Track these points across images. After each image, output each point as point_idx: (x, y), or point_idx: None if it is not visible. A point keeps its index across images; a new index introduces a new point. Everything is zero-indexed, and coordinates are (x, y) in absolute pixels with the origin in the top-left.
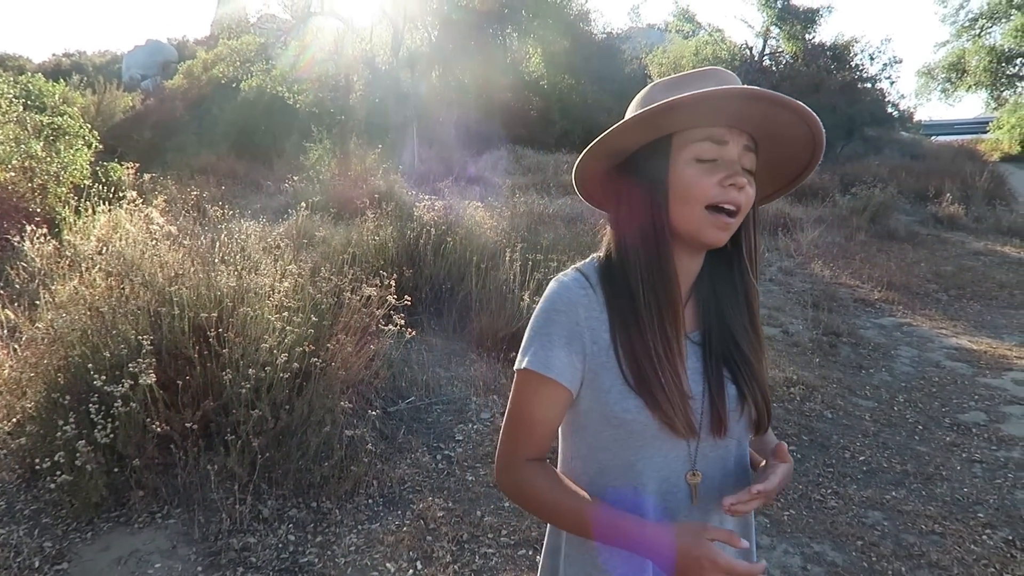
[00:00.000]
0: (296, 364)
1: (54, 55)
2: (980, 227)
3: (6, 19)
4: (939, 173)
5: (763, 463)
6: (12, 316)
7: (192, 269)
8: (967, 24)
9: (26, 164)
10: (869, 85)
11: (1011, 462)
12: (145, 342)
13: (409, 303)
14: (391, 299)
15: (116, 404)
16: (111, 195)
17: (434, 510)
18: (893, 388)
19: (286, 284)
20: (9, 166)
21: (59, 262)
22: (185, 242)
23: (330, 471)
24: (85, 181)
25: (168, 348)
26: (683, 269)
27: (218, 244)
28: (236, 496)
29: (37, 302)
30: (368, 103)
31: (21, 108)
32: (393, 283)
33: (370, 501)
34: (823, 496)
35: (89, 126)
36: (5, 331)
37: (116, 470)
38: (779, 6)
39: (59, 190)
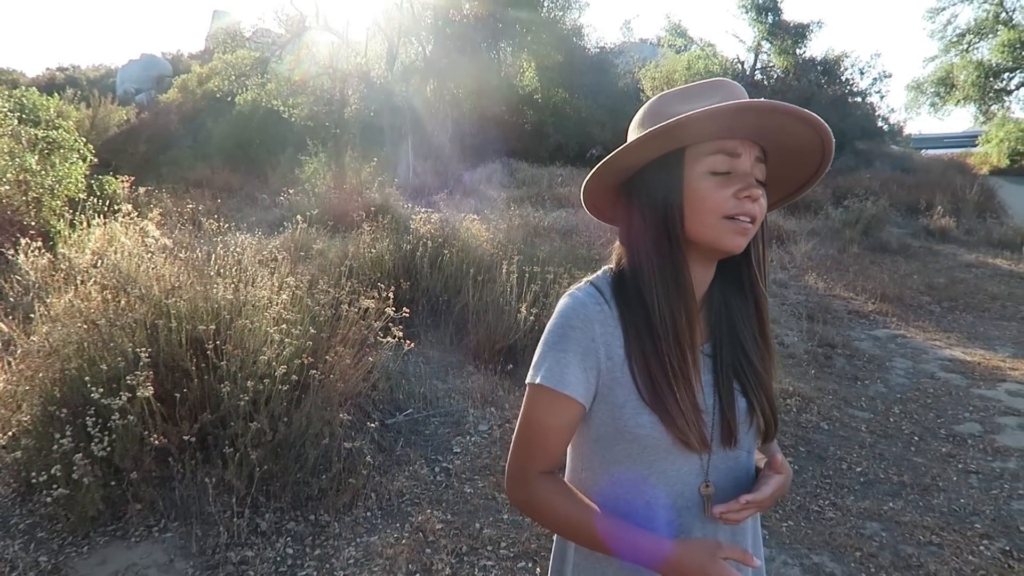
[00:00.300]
0: (294, 376)
1: (48, 69)
2: (971, 239)
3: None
4: (930, 186)
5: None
6: (7, 329)
7: (189, 282)
8: (955, 39)
9: (20, 177)
10: (859, 99)
11: (1007, 473)
12: (143, 354)
13: (407, 315)
14: (390, 311)
15: (113, 417)
16: (106, 208)
17: (433, 523)
18: (888, 399)
19: (284, 296)
20: (3, 179)
21: (54, 275)
22: (181, 255)
23: (328, 484)
24: (80, 194)
25: (165, 361)
26: (696, 279)
27: (214, 257)
28: (234, 509)
29: (32, 315)
30: (363, 116)
31: (16, 122)
32: (391, 295)
33: (368, 514)
34: (821, 507)
35: (84, 139)
36: (0, 344)
37: (113, 483)
38: (770, 21)
39: (54, 203)
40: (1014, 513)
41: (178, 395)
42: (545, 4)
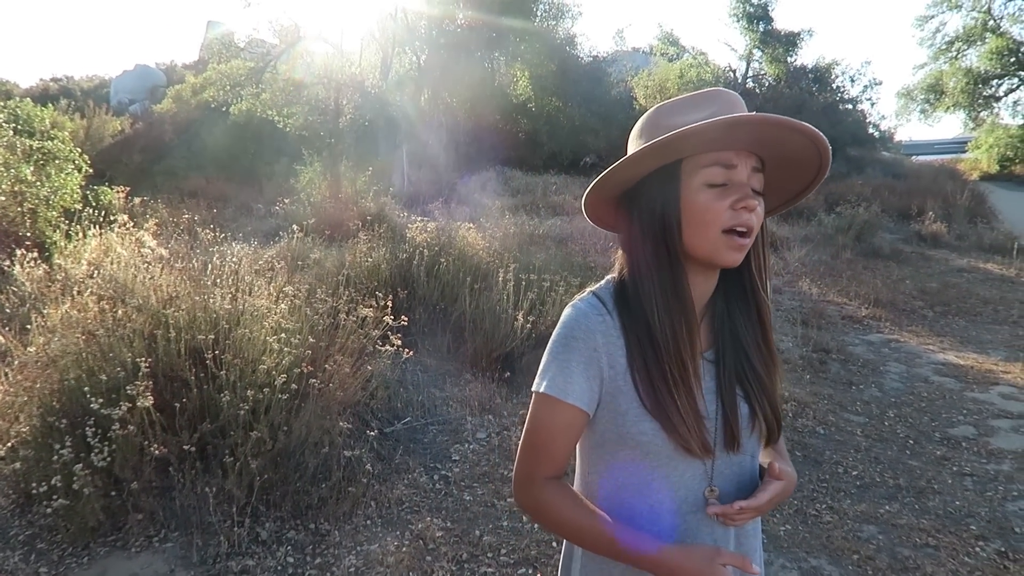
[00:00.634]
0: (294, 385)
1: (42, 80)
2: (963, 245)
3: None
4: (921, 192)
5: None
6: (3, 340)
7: (186, 292)
8: (944, 47)
9: (16, 188)
10: (850, 106)
11: (1001, 475)
12: (142, 364)
13: (405, 323)
14: (388, 320)
15: (113, 427)
16: (102, 219)
17: (433, 530)
18: (883, 403)
19: (282, 306)
20: None
21: (50, 286)
22: (178, 265)
23: (328, 492)
24: (75, 205)
25: (164, 371)
26: (697, 290)
27: (211, 267)
28: (234, 519)
29: (29, 326)
30: (358, 126)
31: (11, 133)
32: (389, 304)
33: (368, 522)
34: (818, 511)
35: (79, 150)
36: None
37: (113, 493)
38: (761, 30)
39: (49, 214)
40: (1009, 514)
41: (178, 405)
42: (538, 13)
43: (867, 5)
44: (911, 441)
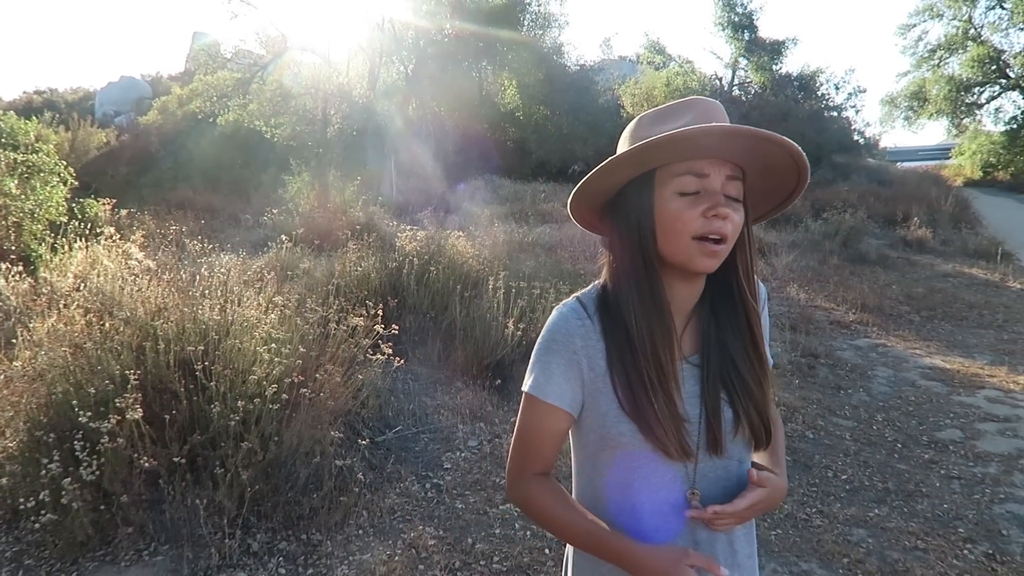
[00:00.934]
0: (284, 395)
1: (25, 92)
2: (948, 250)
3: None
4: (906, 198)
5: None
6: None
7: (174, 303)
8: (926, 55)
9: (0, 202)
10: (836, 113)
11: (987, 477)
12: (131, 377)
13: (395, 332)
14: (379, 328)
15: (102, 440)
16: (88, 231)
17: (425, 539)
18: (871, 408)
19: (272, 316)
20: None
21: (36, 299)
22: (165, 276)
23: (320, 502)
24: (61, 218)
25: (153, 383)
26: (680, 295)
27: (199, 278)
28: (225, 530)
29: (14, 340)
30: (346, 136)
31: None
32: (379, 313)
33: (361, 531)
34: (808, 515)
35: (64, 163)
36: None
37: (102, 507)
38: (746, 38)
39: (34, 227)
40: (996, 517)
41: (167, 417)
42: (525, 23)
43: (850, 14)
44: (899, 445)
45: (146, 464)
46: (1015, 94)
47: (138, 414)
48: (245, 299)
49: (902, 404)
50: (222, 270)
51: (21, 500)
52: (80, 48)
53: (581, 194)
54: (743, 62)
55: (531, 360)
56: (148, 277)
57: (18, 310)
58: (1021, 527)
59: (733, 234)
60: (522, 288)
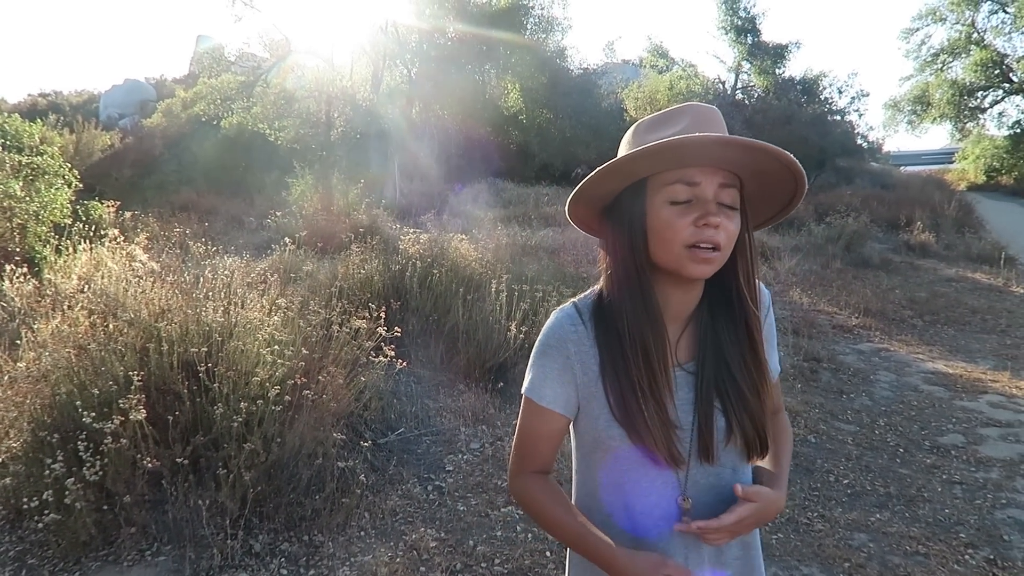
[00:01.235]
0: (287, 397)
1: (30, 95)
2: (951, 254)
3: None
4: (909, 202)
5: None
6: None
7: (178, 305)
8: (929, 59)
9: (5, 204)
10: (839, 117)
11: (989, 483)
12: (134, 378)
13: (398, 335)
14: (381, 331)
15: (105, 441)
16: (92, 233)
17: (427, 541)
18: (874, 412)
19: (275, 318)
20: None
21: (40, 301)
22: (169, 278)
23: (322, 504)
24: (65, 220)
25: (157, 384)
26: (675, 300)
27: (202, 280)
28: (227, 531)
29: (18, 341)
30: (349, 139)
31: (0, 148)
32: (382, 315)
33: (362, 533)
34: (810, 519)
35: (68, 165)
36: None
37: (105, 508)
38: (749, 42)
39: (39, 229)
40: (997, 522)
41: (170, 418)
42: (528, 27)
43: (853, 18)
44: (901, 449)
45: (149, 465)
46: (1018, 98)
47: (141, 415)
48: (248, 301)
49: (904, 409)
50: (226, 272)
51: (25, 500)
52: (85, 51)
53: (576, 200)
54: (746, 66)
55: (530, 361)
56: (152, 279)
57: (23, 311)
58: (1023, 533)
59: (727, 242)
60: (524, 291)
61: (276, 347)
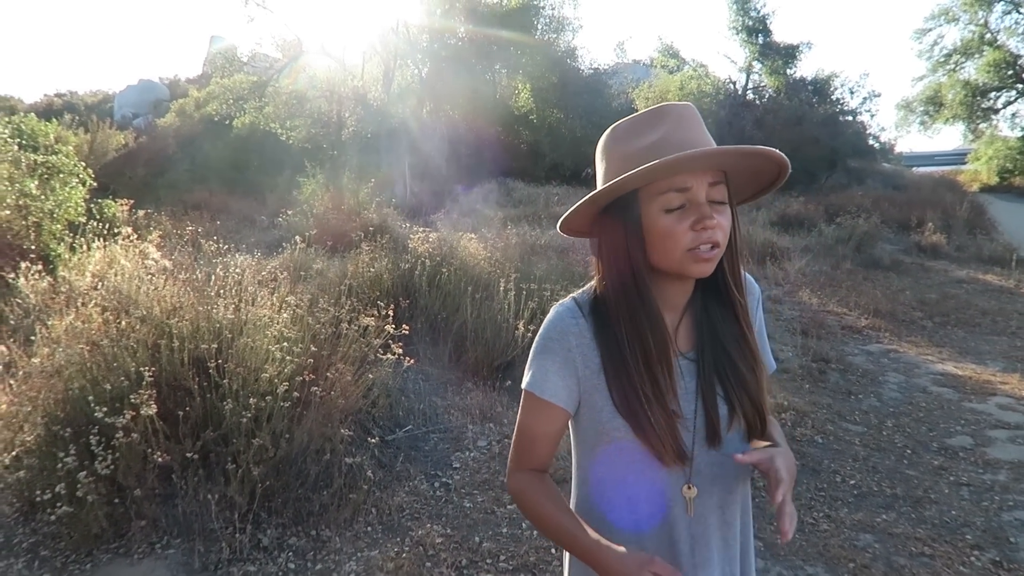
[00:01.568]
0: (296, 393)
1: (46, 95)
2: (962, 256)
3: None
4: (921, 203)
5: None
6: (7, 351)
7: (190, 302)
8: (942, 59)
9: (20, 202)
10: (850, 118)
11: (997, 485)
12: (146, 374)
13: (406, 332)
14: (390, 328)
15: (117, 435)
16: (106, 231)
17: (433, 537)
18: (882, 413)
19: (285, 315)
20: (4, 204)
21: (54, 298)
22: (181, 276)
23: (329, 499)
24: (80, 218)
25: (168, 380)
26: (673, 294)
27: (214, 278)
28: (236, 525)
29: (33, 337)
30: (360, 138)
31: (15, 147)
32: (390, 313)
33: (369, 528)
34: (815, 519)
35: (83, 164)
36: (1, 367)
37: (116, 501)
38: (760, 42)
39: (54, 227)
40: (1004, 524)
41: (181, 413)
42: (539, 27)
43: (865, 19)
44: (909, 451)
45: (159, 459)
46: None
47: (152, 410)
48: (259, 299)
49: (913, 410)
50: (237, 270)
51: (38, 493)
52: (100, 52)
53: (568, 223)
54: (757, 66)
55: (529, 358)
56: (164, 276)
57: (37, 308)
58: None
59: (724, 237)
60: (533, 290)
61: (285, 344)
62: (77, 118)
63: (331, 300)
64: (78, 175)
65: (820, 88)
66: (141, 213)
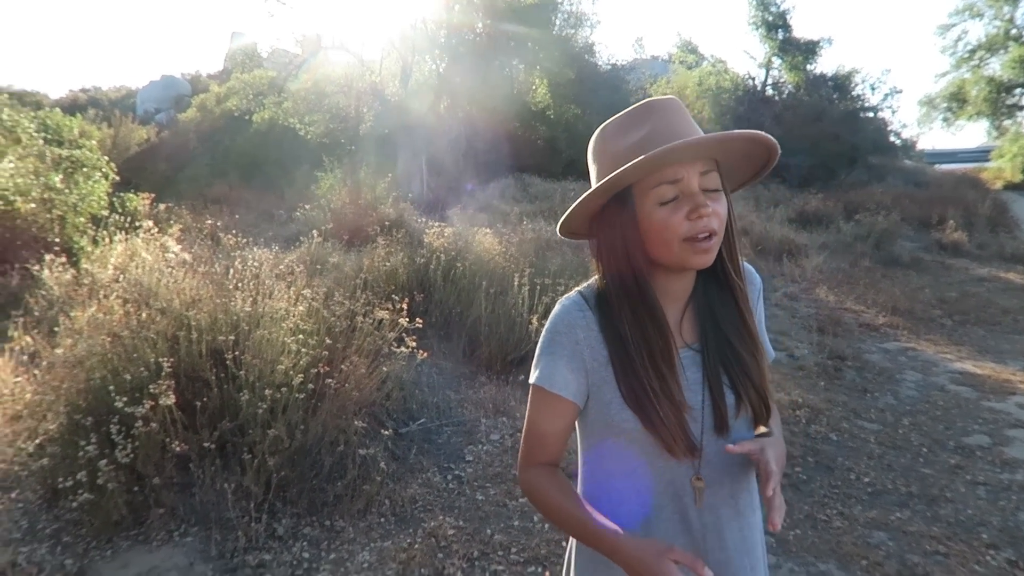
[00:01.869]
0: (311, 385)
1: (71, 91)
2: (983, 254)
3: (24, 57)
4: (942, 201)
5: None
6: (32, 342)
7: (208, 295)
8: (966, 55)
9: (45, 195)
10: (871, 114)
11: (1014, 484)
12: (165, 365)
13: (420, 326)
14: (403, 322)
15: (136, 424)
16: (128, 225)
17: (445, 528)
18: (898, 411)
19: (301, 308)
20: (29, 198)
21: (77, 290)
22: (200, 269)
23: (343, 490)
24: (102, 211)
25: (186, 371)
26: (674, 287)
27: (232, 271)
28: (252, 514)
29: (56, 328)
30: (378, 133)
31: (40, 142)
32: (405, 307)
33: (382, 519)
34: (828, 516)
35: (106, 158)
36: (26, 357)
37: (135, 489)
38: (780, 38)
39: (77, 220)
40: (1021, 524)
41: (198, 404)
42: (557, 22)
43: (887, 15)
44: (925, 449)
45: (178, 448)
46: None
47: (171, 400)
48: (276, 292)
49: (930, 408)
50: (255, 263)
51: (60, 480)
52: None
53: (566, 224)
54: (777, 62)
55: (536, 352)
56: (184, 269)
57: (61, 299)
58: None
59: (720, 224)
60: (547, 285)
61: (301, 336)
62: (101, 113)
63: (346, 294)
64: (101, 169)
65: (840, 84)
66: (162, 207)
